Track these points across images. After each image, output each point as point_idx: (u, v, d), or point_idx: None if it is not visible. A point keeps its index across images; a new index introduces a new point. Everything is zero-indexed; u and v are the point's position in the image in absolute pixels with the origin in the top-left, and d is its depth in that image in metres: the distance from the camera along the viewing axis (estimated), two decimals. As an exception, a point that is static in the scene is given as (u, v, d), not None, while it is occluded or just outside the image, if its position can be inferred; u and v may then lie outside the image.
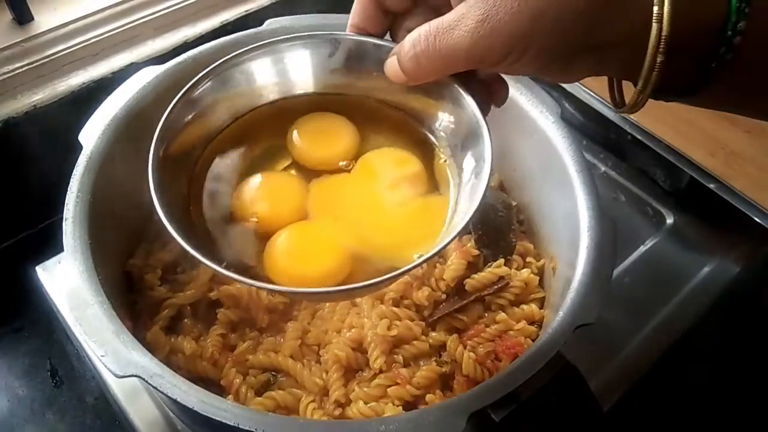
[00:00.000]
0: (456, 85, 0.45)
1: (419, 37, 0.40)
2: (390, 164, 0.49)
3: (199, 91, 0.47)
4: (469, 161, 0.46)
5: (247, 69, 0.48)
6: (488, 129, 0.44)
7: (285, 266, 0.45)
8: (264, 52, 0.48)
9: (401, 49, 0.42)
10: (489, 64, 0.39)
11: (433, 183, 0.49)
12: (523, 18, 0.36)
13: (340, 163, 0.50)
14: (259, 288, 0.42)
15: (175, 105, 0.45)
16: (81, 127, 0.60)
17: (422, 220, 0.47)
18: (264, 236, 0.47)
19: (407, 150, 0.50)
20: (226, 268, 0.41)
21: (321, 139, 0.50)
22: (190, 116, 0.47)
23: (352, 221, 0.47)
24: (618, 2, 0.36)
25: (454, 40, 0.38)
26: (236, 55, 0.47)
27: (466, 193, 0.45)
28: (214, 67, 0.47)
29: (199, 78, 0.46)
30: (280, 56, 0.49)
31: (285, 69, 0.49)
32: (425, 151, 0.50)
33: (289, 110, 0.51)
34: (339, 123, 0.51)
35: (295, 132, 0.50)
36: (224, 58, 0.47)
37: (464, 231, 0.42)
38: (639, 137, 0.84)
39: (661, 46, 0.36)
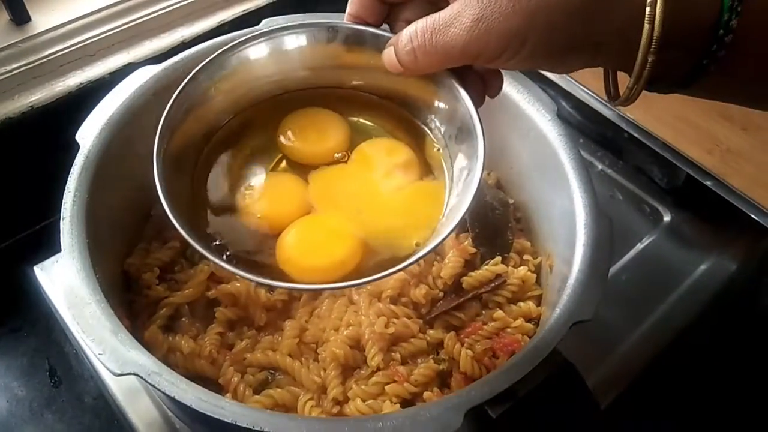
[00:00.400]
0: (451, 79, 0.46)
1: (416, 31, 0.41)
2: (383, 153, 0.51)
3: (199, 82, 0.47)
4: (462, 155, 0.47)
5: (246, 58, 0.48)
6: (481, 124, 0.45)
7: (300, 259, 0.47)
8: (262, 41, 0.48)
9: (398, 42, 0.43)
10: (484, 60, 0.40)
11: (426, 169, 0.50)
12: (517, 18, 0.37)
13: (335, 155, 0.51)
14: (268, 285, 0.44)
15: (176, 98, 0.46)
16: (78, 128, 0.60)
17: (420, 205, 0.49)
18: (270, 233, 0.48)
19: (400, 139, 0.51)
20: (229, 262, 0.42)
21: (311, 135, 0.51)
22: (191, 111, 0.47)
23: (355, 210, 0.49)
24: (610, 2, 0.37)
25: (450, 37, 0.39)
26: (234, 45, 0.48)
27: (459, 188, 0.46)
28: (214, 57, 0.47)
29: (200, 69, 0.47)
30: (278, 44, 0.49)
31: (283, 58, 0.50)
32: (418, 140, 0.51)
33: (286, 104, 0.52)
34: (326, 117, 0.52)
35: (285, 131, 0.51)
36: (223, 48, 0.47)
37: (460, 224, 0.43)
38: (636, 135, 0.84)
39: (653, 46, 0.36)
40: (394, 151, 0.51)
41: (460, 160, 0.47)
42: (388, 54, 0.44)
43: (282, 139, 0.51)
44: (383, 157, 0.51)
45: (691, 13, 0.37)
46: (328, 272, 0.46)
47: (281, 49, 0.49)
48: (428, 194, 0.49)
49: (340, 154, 0.51)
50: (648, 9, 0.36)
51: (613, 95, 0.44)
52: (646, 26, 0.36)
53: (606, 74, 0.44)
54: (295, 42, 0.49)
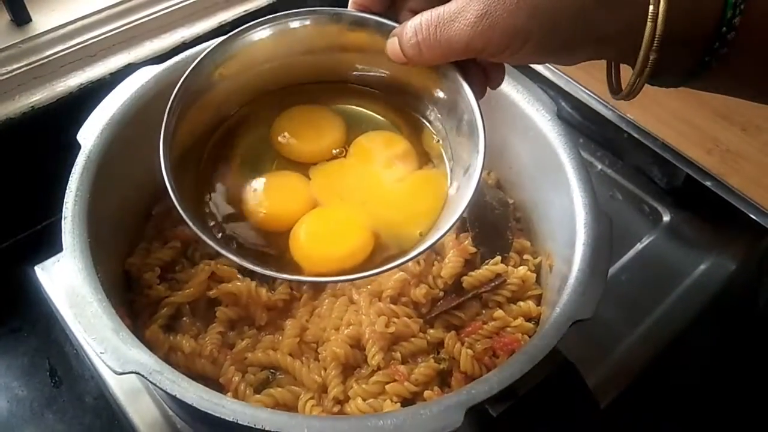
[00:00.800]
0: (454, 71, 0.46)
1: (421, 24, 0.41)
2: (381, 145, 0.52)
3: (203, 68, 0.47)
4: (463, 147, 0.47)
5: (250, 42, 0.49)
6: (482, 116, 0.45)
7: (315, 249, 0.48)
8: (267, 27, 0.48)
9: (403, 33, 0.43)
10: (488, 55, 0.40)
11: (424, 158, 0.51)
12: (521, 15, 0.37)
13: (334, 151, 0.52)
14: (273, 276, 0.44)
15: (181, 85, 0.46)
16: (79, 128, 0.60)
17: (422, 194, 0.50)
18: (275, 229, 0.49)
19: (399, 129, 0.52)
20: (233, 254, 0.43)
21: (308, 132, 0.52)
22: (195, 99, 0.47)
23: (359, 202, 0.50)
24: (613, 0, 0.37)
25: (454, 32, 0.40)
26: (240, 30, 0.48)
27: (460, 179, 0.46)
28: (220, 43, 0.47)
29: (205, 55, 0.47)
30: (282, 29, 0.49)
31: (286, 41, 0.50)
32: (416, 130, 0.52)
33: (286, 100, 0.52)
34: (320, 114, 0.53)
35: (281, 131, 0.52)
36: (229, 34, 0.47)
37: (460, 222, 0.43)
38: (636, 135, 0.84)
39: (655, 43, 0.36)
40: (392, 142, 0.52)
41: (461, 152, 0.47)
42: (392, 44, 0.44)
43: (278, 138, 0.52)
44: (381, 149, 0.52)
45: (694, 11, 0.37)
46: (343, 261, 0.47)
47: (285, 33, 0.49)
48: (429, 183, 0.50)
49: (338, 150, 0.52)
50: (651, 7, 0.36)
51: (615, 89, 0.44)
52: (649, 24, 0.36)
53: (609, 68, 0.44)
54: (299, 26, 0.49)
